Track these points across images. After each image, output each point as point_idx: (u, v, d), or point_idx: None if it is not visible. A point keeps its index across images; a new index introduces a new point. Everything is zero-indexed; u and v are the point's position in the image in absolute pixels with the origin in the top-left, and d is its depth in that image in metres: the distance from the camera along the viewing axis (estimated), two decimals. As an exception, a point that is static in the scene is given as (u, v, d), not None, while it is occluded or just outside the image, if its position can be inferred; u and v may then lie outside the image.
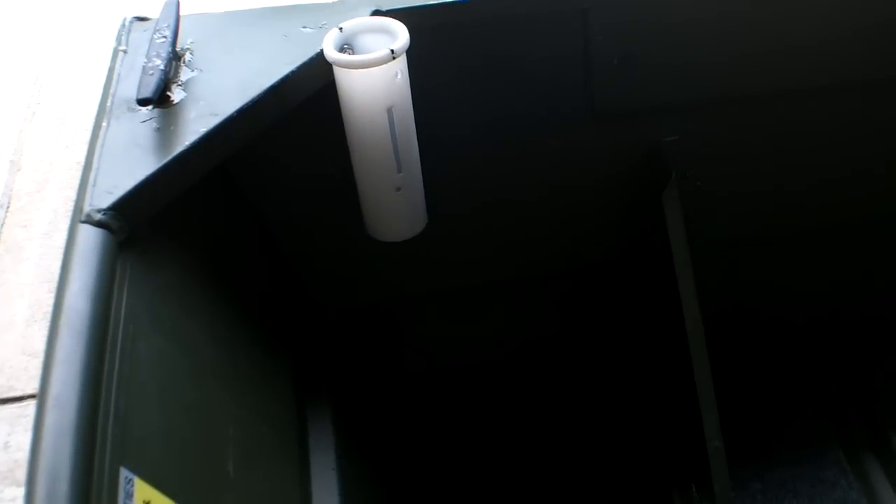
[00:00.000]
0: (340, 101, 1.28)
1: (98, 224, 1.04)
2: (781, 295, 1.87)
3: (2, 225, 2.79)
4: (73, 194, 1.11)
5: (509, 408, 1.85)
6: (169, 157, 1.12)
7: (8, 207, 2.85)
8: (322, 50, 1.26)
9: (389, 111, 1.28)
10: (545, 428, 1.84)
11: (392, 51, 1.23)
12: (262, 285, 1.46)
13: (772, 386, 1.93)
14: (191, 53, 1.31)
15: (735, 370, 1.89)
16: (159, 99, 1.19)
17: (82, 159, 1.15)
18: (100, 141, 1.15)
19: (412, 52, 1.27)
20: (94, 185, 1.08)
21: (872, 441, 1.88)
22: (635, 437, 1.81)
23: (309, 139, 1.41)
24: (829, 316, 1.94)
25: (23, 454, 2.08)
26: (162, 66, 1.21)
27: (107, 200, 1.06)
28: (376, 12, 1.36)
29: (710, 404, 1.53)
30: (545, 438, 1.83)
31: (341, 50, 1.28)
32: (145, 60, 1.24)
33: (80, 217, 1.05)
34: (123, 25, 1.40)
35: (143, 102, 1.18)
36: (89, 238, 1.02)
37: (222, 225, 1.38)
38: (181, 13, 1.33)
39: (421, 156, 1.38)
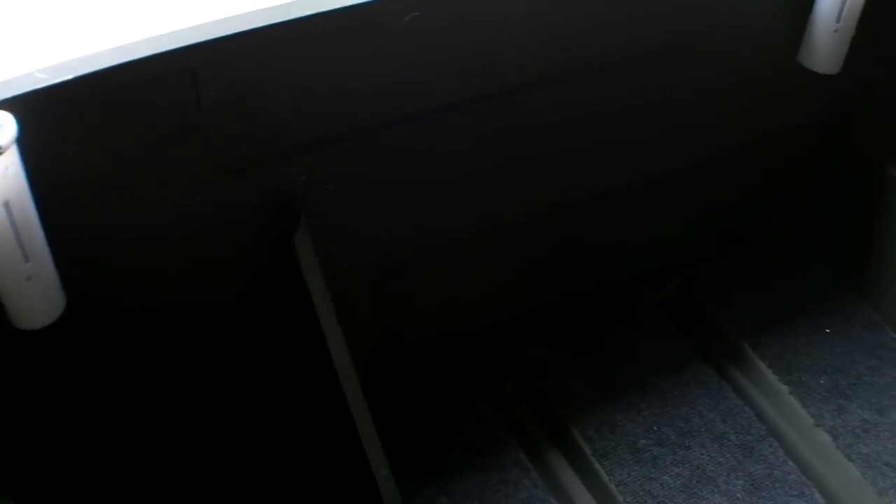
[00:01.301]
0: None
1: None
2: (435, 311, 1.88)
3: None
4: None
5: (180, 474, 1.75)
6: None
7: None
8: None
9: (6, 206, 1.17)
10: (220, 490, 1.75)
11: (-3, 145, 1.11)
12: None
13: (442, 399, 1.93)
14: None
15: (401, 393, 1.88)
16: None
17: None
18: None
19: (36, 136, 1.18)
20: None
21: (552, 435, 1.92)
22: (311, 482, 1.75)
23: None
24: (488, 322, 1.97)
25: None
26: None
27: None
28: (-11, 103, 1.23)
29: (371, 436, 1.50)
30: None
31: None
32: None
33: None
34: None
35: None
36: None
37: None
38: None
39: (56, 237, 1.28)
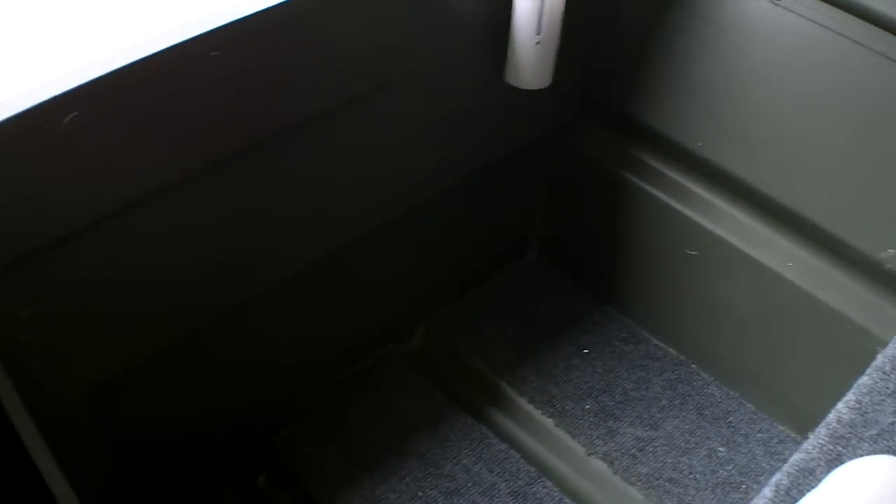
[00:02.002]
0: None
1: None
2: (170, 415, 1.68)
3: None
4: None
5: None
6: None
7: None
8: None
9: None
10: None
11: None
12: None
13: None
14: None
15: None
16: None
17: None
18: None
19: None
20: None
21: None
22: None
23: None
24: (229, 415, 1.80)
25: None
26: None
27: None
28: None
29: None
30: None
31: None
32: None
33: None
34: None
35: None
36: None
37: None
38: None
39: None
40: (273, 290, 1.66)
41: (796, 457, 1.18)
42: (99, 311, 1.44)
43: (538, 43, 1.66)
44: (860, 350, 1.63)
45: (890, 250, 1.64)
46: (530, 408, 1.87)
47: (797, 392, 1.82)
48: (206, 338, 1.63)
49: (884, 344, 1.55)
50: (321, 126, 1.55)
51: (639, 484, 1.77)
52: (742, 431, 1.86)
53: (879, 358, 1.29)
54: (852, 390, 1.24)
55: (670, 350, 1.99)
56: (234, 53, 1.35)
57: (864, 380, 1.26)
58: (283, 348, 1.78)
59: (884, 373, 1.27)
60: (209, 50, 1.33)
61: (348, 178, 1.64)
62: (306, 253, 1.66)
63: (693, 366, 1.96)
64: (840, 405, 1.24)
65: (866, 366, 1.31)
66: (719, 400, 1.91)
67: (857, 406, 1.22)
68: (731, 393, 1.91)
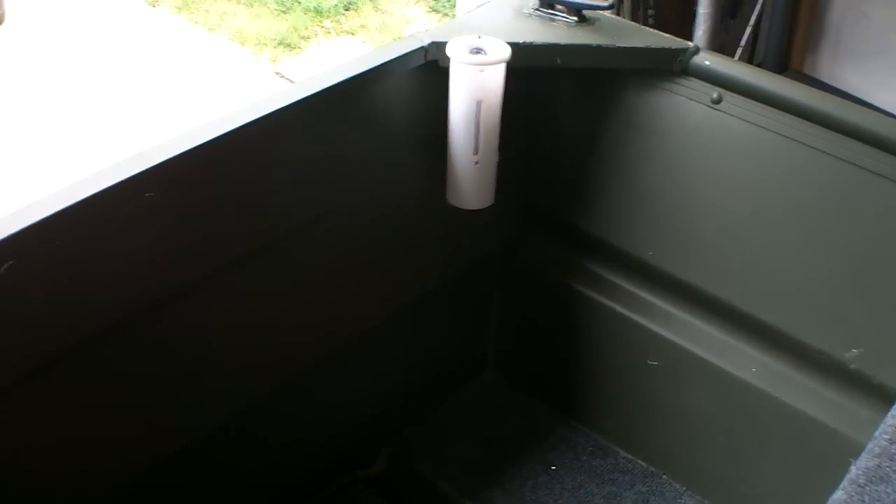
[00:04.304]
0: None
1: None
2: None
3: None
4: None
5: None
6: None
7: None
8: None
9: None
10: None
11: None
12: None
13: None
14: None
15: None
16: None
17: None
18: None
19: None
20: None
21: None
22: None
23: None
24: None
25: None
26: None
27: None
28: None
29: None
30: None
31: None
32: None
33: None
34: None
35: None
36: None
37: None
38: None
39: None
40: (231, 423, 1.60)
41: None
42: None
43: (477, 163, 1.63)
44: (830, 451, 1.59)
45: (854, 350, 1.60)
46: (500, 531, 1.80)
47: (770, 497, 1.76)
48: (168, 471, 1.55)
49: (853, 444, 1.51)
50: (264, 258, 1.51)
51: None
52: (718, 540, 1.79)
53: (853, 470, 1.23)
54: None
55: (640, 462, 1.93)
56: (169, 192, 1.32)
57: (840, 495, 1.20)
58: (243, 479, 1.70)
59: (858, 486, 1.22)
60: (143, 191, 1.29)
61: (296, 307, 1.60)
62: (261, 385, 1.60)
63: (664, 476, 1.90)
64: None
65: (837, 466, 1.26)
66: (693, 510, 1.85)
67: (835, 525, 1.16)
68: (705, 502, 1.85)
